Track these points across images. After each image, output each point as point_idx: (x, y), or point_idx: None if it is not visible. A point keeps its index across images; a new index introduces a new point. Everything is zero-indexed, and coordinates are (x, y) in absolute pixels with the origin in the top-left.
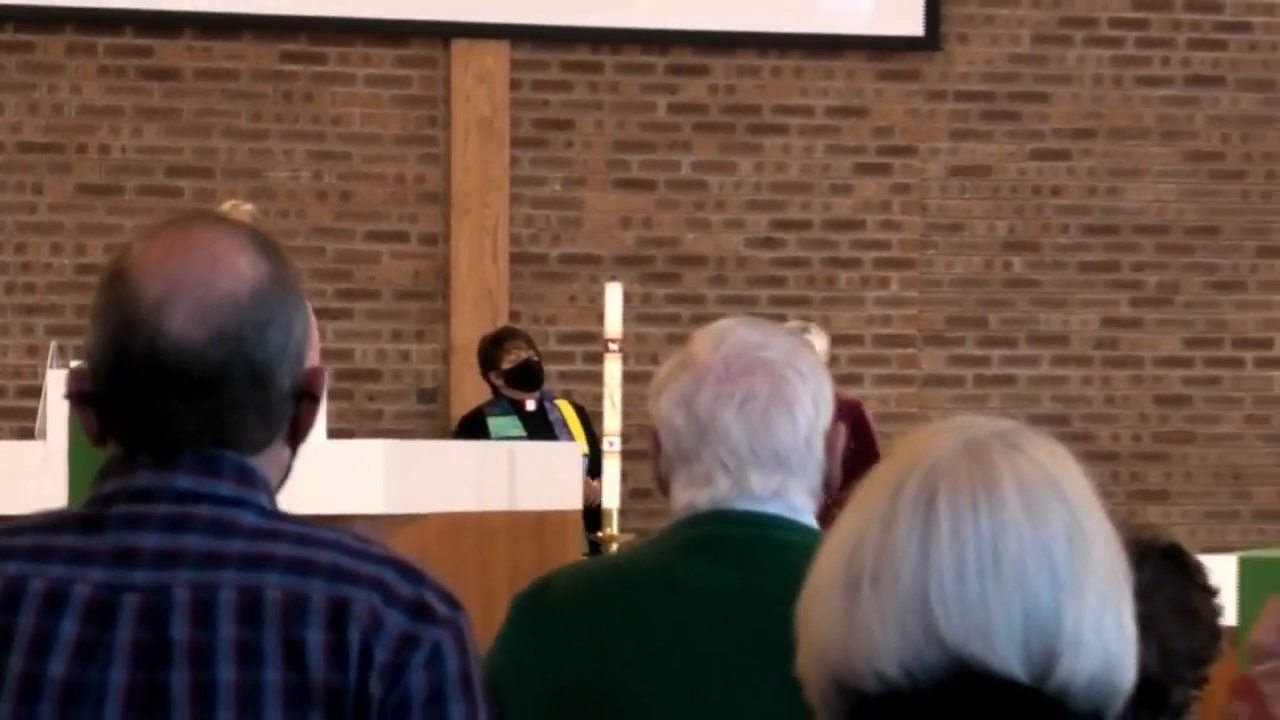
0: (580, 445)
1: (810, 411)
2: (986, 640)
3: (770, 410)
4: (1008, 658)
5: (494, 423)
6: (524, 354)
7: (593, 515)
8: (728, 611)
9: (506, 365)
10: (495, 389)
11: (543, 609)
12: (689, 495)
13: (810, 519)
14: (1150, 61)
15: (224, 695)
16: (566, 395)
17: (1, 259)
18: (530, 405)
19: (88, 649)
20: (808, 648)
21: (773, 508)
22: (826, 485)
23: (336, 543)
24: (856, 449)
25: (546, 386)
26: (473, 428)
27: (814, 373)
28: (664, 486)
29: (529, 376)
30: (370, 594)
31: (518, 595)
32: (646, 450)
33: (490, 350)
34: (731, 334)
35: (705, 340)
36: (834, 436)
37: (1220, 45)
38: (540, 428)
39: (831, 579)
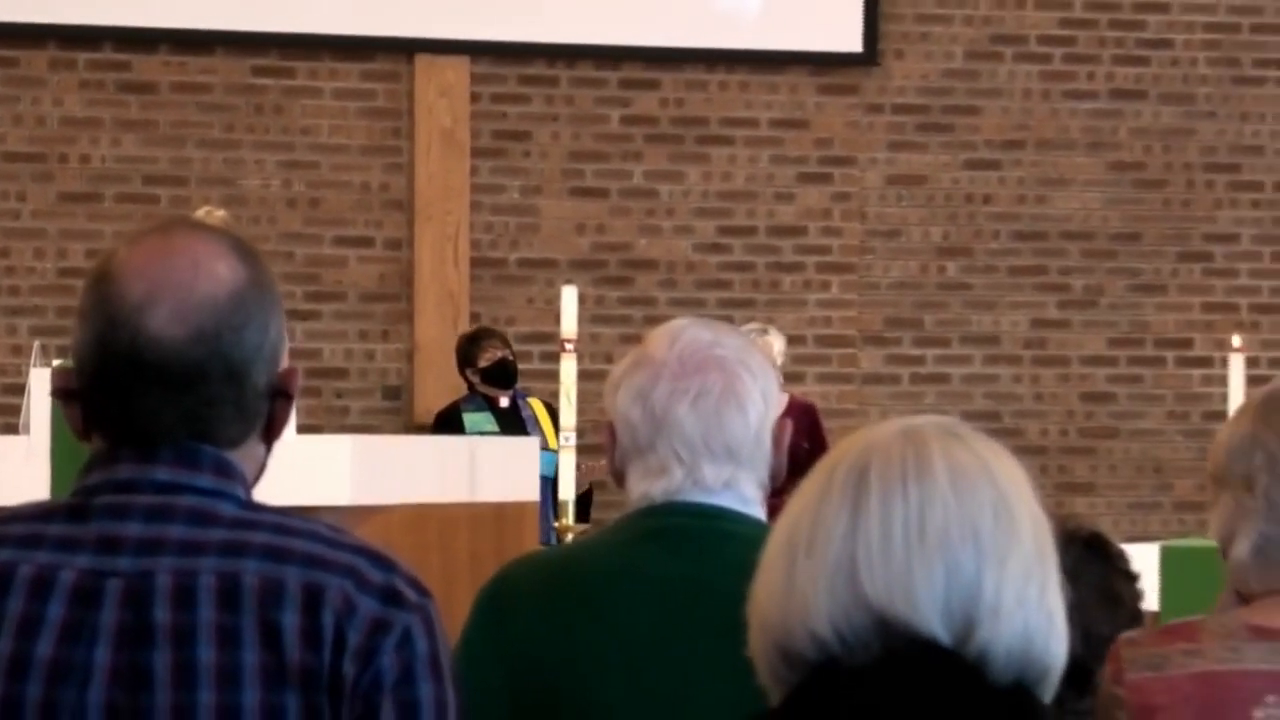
0: (550, 440)
1: (760, 406)
2: (909, 602)
3: (722, 405)
4: (929, 619)
5: (469, 418)
6: (500, 353)
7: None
8: (679, 600)
9: (483, 363)
10: (471, 385)
11: (502, 600)
12: (645, 486)
13: (758, 509)
14: (1076, 76)
15: (204, 675)
16: (529, 392)
17: None
18: (504, 402)
19: (74, 631)
20: (754, 620)
21: (724, 499)
22: (773, 477)
23: (311, 532)
24: (811, 449)
25: (520, 385)
26: (449, 423)
27: (763, 370)
28: (619, 478)
29: (504, 374)
30: (343, 580)
31: (480, 588)
32: (603, 443)
33: (468, 348)
34: (685, 333)
35: (661, 338)
36: (781, 431)
37: (1143, 61)
38: (512, 424)
39: (774, 552)
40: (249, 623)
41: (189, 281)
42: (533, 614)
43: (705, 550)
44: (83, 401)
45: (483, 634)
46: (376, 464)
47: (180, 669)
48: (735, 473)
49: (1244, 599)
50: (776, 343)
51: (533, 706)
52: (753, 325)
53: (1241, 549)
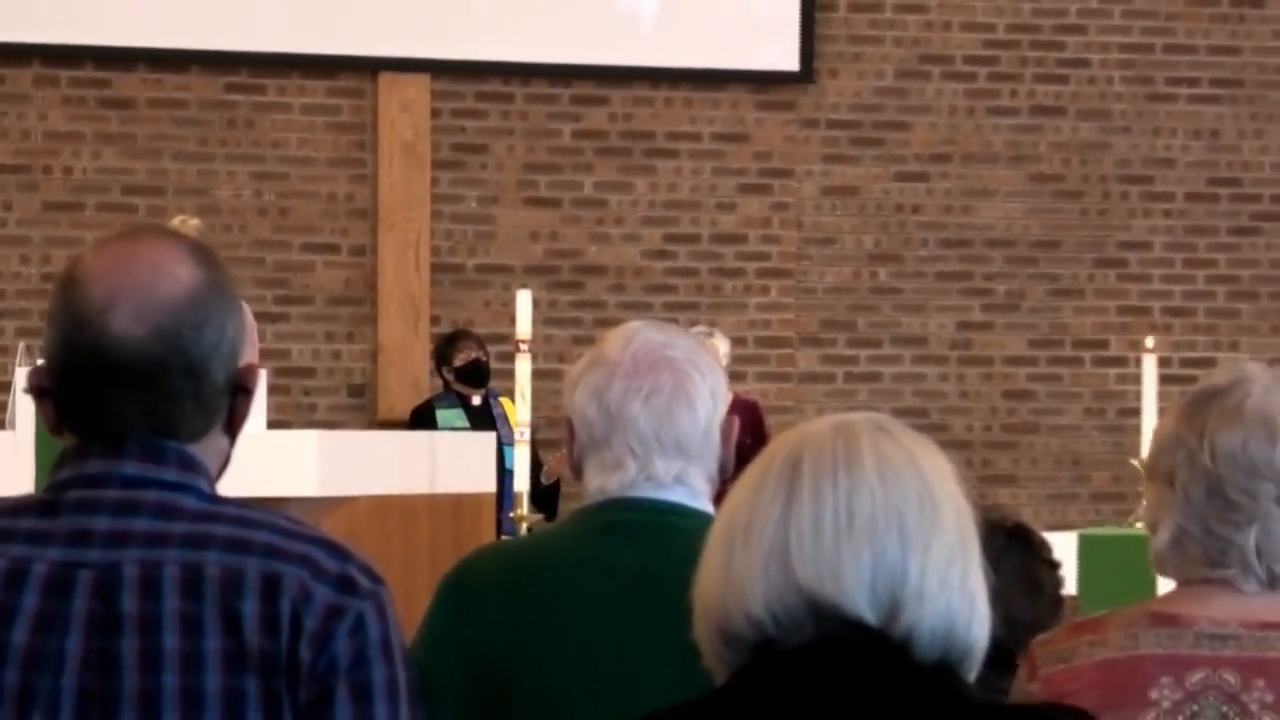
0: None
1: (709, 404)
2: (838, 585)
3: (673, 403)
4: (857, 602)
5: (441, 415)
6: (474, 354)
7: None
8: (629, 590)
9: (458, 363)
10: (446, 383)
11: (464, 589)
12: (601, 480)
13: (707, 502)
14: (1000, 94)
15: (169, 660)
16: (500, 392)
17: None
18: (476, 400)
19: (47, 620)
20: (698, 605)
21: (675, 493)
22: (721, 470)
23: (270, 524)
24: (754, 444)
25: (492, 384)
26: (423, 418)
27: (711, 370)
28: (577, 471)
29: (476, 374)
30: (300, 570)
31: (443, 577)
32: (561, 438)
33: (445, 348)
34: (639, 334)
35: (615, 340)
36: (728, 427)
37: (1062, 79)
38: (483, 421)
39: (715, 540)
40: (211, 611)
41: (149, 284)
42: (492, 603)
43: (655, 543)
44: (54, 399)
45: (444, 621)
46: (342, 458)
47: (146, 655)
48: (686, 467)
49: None
50: (721, 345)
51: (493, 692)
52: (699, 328)
53: (1162, 539)
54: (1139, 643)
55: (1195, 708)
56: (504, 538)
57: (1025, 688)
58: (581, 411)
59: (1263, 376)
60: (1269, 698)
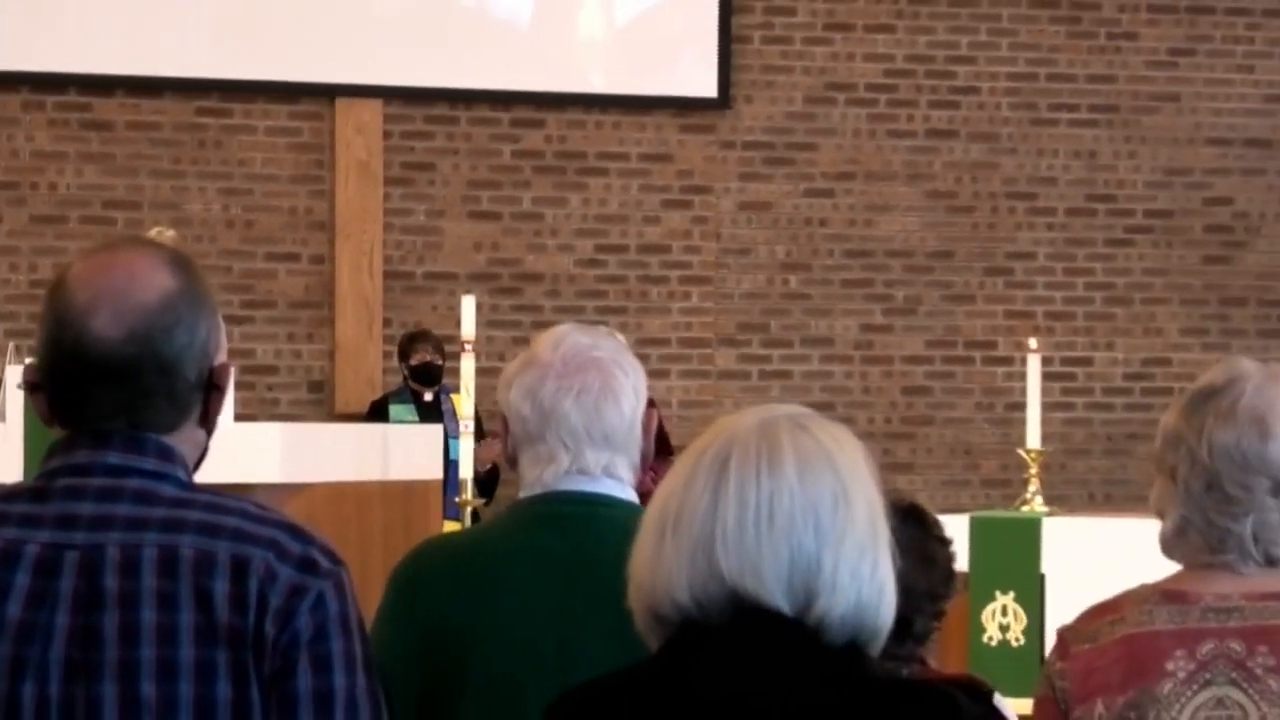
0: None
1: (632, 400)
2: (757, 577)
3: (601, 400)
4: (774, 592)
5: (393, 409)
6: (427, 357)
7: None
8: (564, 575)
9: (413, 362)
10: (404, 378)
11: (415, 578)
12: (536, 471)
13: (631, 491)
14: (898, 118)
15: (146, 634)
16: (452, 388)
17: None
18: (428, 397)
19: (37, 596)
20: (631, 584)
21: (603, 484)
22: (643, 458)
23: (239, 510)
24: (660, 442)
25: (446, 381)
26: (378, 412)
27: (634, 369)
28: (513, 462)
29: (426, 375)
30: (266, 553)
31: (395, 566)
32: (497, 432)
33: (406, 345)
34: (568, 338)
35: (546, 342)
36: (648, 420)
37: (954, 105)
38: (433, 416)
39: (648, 526)
40: (185, 589)
41: (125, 289)
42: (440, 591)
43: (586, 533)
44: (46, 393)
45: (397, 608)
46: (302, 448)
47: (126, 629)
48: (613, 458)
49: None
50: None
51: (444, 672)
52: (602, 329)
53: (1167, 527)
54: (1154, 618)
55: (1208, 676)
56: (448, 528)
57: (1055, 665)
58: (516, 409)
59: (1256, 375)
60: (1272, 661)
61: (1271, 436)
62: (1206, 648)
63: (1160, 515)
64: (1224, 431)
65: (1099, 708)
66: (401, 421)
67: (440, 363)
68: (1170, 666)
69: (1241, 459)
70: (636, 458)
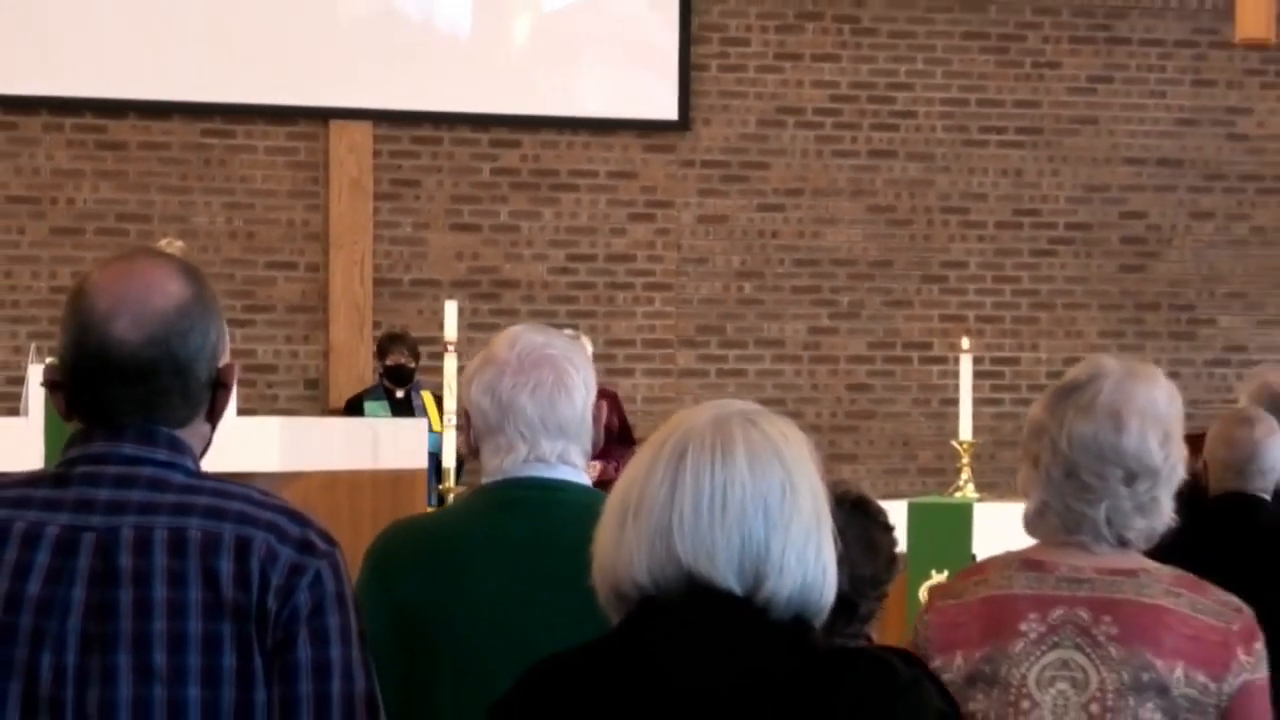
0: (435, 424)
1: (583, 393)
2: (711, 561)
3: (555, 393)
4: (726, 575)
5: (368, 406)
6: (401, 359)
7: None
8: (523, 555)
9: (388, 363)
10: (379, 376)
11: (384, 561)
12: (497, 460)
13: (584, 476)
14: (843, 139)
15: (158, 608)
16: (422, 386)
17: None
18: (400, 394)
19: (57, 574)
20: (595, 563)
21: (559, 470)
22: (594, 446)
23: (243, 495)
24: (620, 425)
25: (420, 378)
26: (353, 408)
27: (585, 364)
28: (474, 453)
29: (399, 376)
30: (267, 535)
31: (367, 549)
32: (460, 426)
33: (384, 344)
34: (522, 337)
35: (502, 342)
36: (598, 411)
37: (893, 128)
38: (405, 412)
39: (610, 511)
40: (193, 567)
41: (144, 297)
42: (410, 571)
43: (543, 516)
44: (65, 391)
45: (370, 588)
46: (299, 440)
47: (139, 604)
48: (567, 446)
49: None
50: (586, 345)
51: (415, 646)
52: (567, 331)
53: (1029, 508)
54: (1013, 583)
55: (1056, 639)
56: (425, 512)
57: (921, 618)
58: (477, 403)
59: (1115, 372)
60: (1114, 631)
61: (1126, 430)
62: (1057, 613)
63: (1025, 497)
64: (1082, 424)
65: (958, 659)
66: (375, 416)
67: (413, 365)
68: (1024, 627)
69: (1098, 450)
70: (588, 445)
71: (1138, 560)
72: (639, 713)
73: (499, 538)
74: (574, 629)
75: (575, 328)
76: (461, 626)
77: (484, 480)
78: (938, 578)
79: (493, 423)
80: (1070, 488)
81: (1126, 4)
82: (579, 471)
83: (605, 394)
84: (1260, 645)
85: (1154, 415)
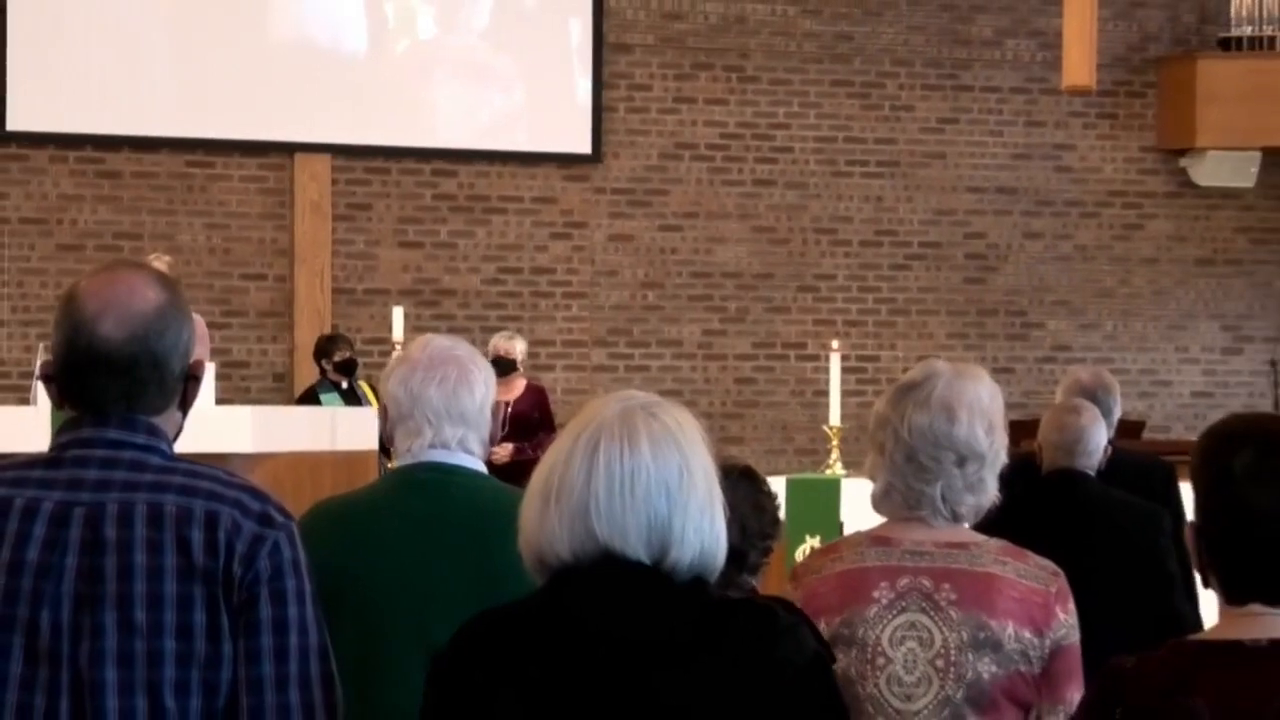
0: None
1: (483, 389)
2: (624, 540)
3: (458, 386)
4: (636, 548)
5: (324, 397)
6: (349, 354)
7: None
8: (420, 527)
9: (337, 358)
10: (324, 371)
11: (308, 533)
12: (407, 443)
13: (480, 464)
14: (731, 170)
15: (138, 572)
16: (366, 379)
17: (10, 291)
18: (345, 385)
19: (52, 543)
20: (521, 537)
21: (457, 457)
22: (491, 438)
23: (212, 475)
24: (540, 417)
25: (360, 374)
26: (309, 398)
27: (485, 367)
28: (390, 440)
29: (349, 368)
30: (232, 510)
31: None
32: (380, 418)
33: (326, 345)
34: (433, 342)
35: (416, 345)
36: (497, 409)
37: (774, 161)
38: (351, 400)
39: (534, 492)
40: (169, 537)
41: (126, 301)
42: (326, 541)
43: (440, 496)
44: (58, 382)
45: None
46: (268, 426)
47: (123, 569)
48: (466, 433)
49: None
50: (520, 344)
51: (333, 606)
52: (505, 332)
53: (876, 489)
54: (864, 557)
55: (904, 604)
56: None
57: (787, 589)
58: (393, 394)
59: (946, 373)
60: (953, 596)
61: (957, 421)
62: (904, 581)
63: (872, 480)
64: (920, 416)
65: (821, 624)
66: (331, 405)
67: (357, 359)
68: (876, 594)
69: (933, 437)
70: (486, 435)
71: (969, 535)
72: (564, 659)
73: (400, 512)
74: (461, 590)
75: (515, 331)
76: (367, 588)
77: (395, 463)
78: (811, 541)
79: (404, 411)
80: (910, 470)
81: (970, 56)
82: (475, 459)
83: (534, 388)
84: (1073, 604)
85: (980, 409)
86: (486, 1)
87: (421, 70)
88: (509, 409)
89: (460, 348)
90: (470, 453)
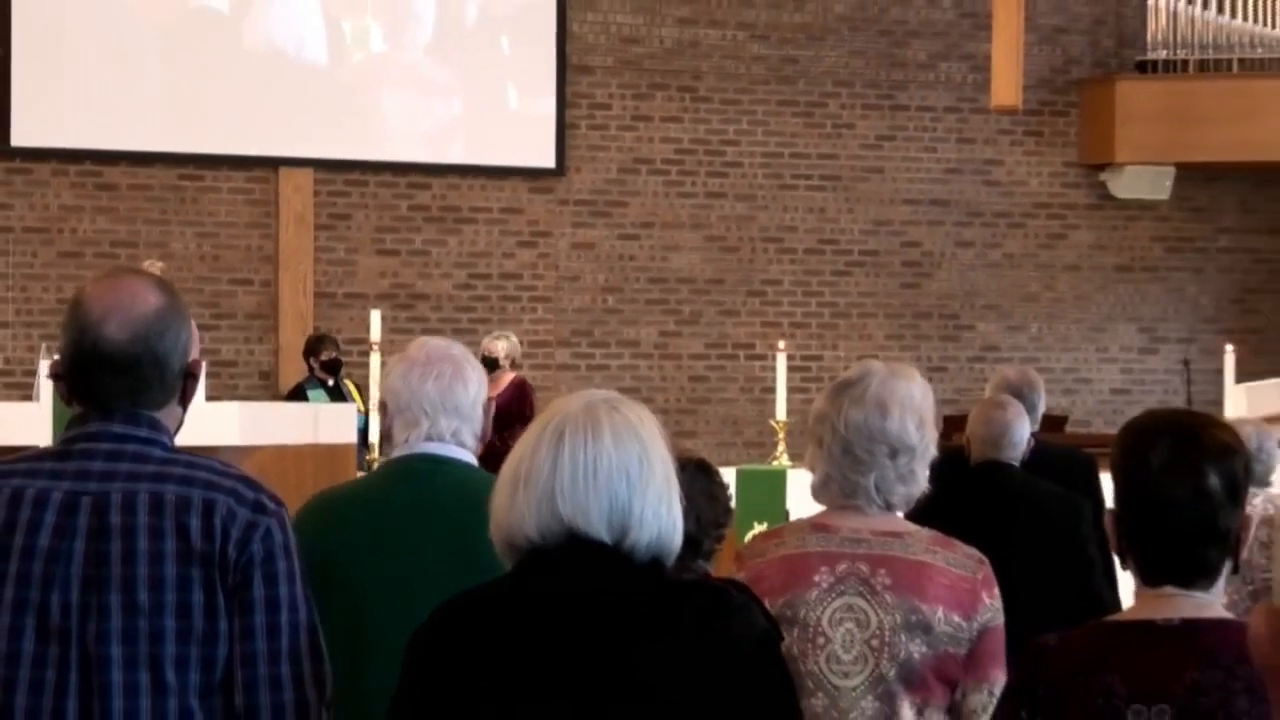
0: (359, 407)
1: (476, 386)
2: (587, 520)
3: (454, 382)
4: (599, 530)
5: (311, 394)
6: (335, 354)
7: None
8: (405, 514)
9: (324, 358)
10: (311, 369)
11: (300, 523)
12: (405, 434)
13: (471, 456)
14: (685, 183)
15: (141, 556)
16: (349, 377)
17: (15, 295)
18: (331, 382)
19: (61, 530)
20: (492, 522)
21: (450, 448)
22: (483, 433)
23: (209, 466)
24: (521, 409)
25: (343, 372)
26: (297, 394)
27: (478, 366)
28: (389, 433)
29: (335, 367)
30: (228, 498)
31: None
32: (380, 414)
33: (315, 345)
34: (429, 343)
35: (414, 346)
36: (488, 406)
37: (724, 174)
38: (337, 396)
39: (504, 480)
40: (169, 524)
41: (129, 305)
42: (317, 528)
43: (428, 485)
44: (66, 380)
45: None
46: (255, 420)
47: (126, 553)
48: (460, 426)
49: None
50: (503, 344)
51: (322, 589)
52: (497, 332)
53: (815, 480)
54: (806, 543)
55: (842, 588)
56: (345, 482)
57: (734, 572)
58: (393, 389)
59: (880, 372)
60: (888, 581)
61: (889, 416)
62: (842, 566)
63: (811, 471)
64: (855, 411)
65: (764, 605)
66: (318, 401)
67: (342, 358)
68: (816, 578)
69: (868, 432)
70: (479, 429)
71: (903, 524)
72: (533, 632)
73: (390, 499)
74: (442, 572)
75: (477, 331)
76: (349, 569)
77: (393, 454)
78: (759, 527)
79: (403, 404)
80: (847, 461)
81: (906, 78)
82: (467, 451)
83: (516, 383)
84: (997, 590)
85: (912, 405)
86: (431, 22)
87: (401, 92)
88: (493, 404)
89: (455, 348)
90: (463, 445)
